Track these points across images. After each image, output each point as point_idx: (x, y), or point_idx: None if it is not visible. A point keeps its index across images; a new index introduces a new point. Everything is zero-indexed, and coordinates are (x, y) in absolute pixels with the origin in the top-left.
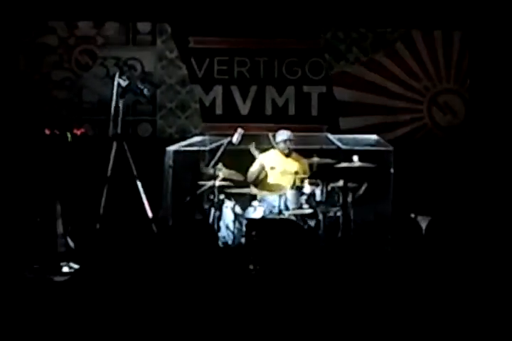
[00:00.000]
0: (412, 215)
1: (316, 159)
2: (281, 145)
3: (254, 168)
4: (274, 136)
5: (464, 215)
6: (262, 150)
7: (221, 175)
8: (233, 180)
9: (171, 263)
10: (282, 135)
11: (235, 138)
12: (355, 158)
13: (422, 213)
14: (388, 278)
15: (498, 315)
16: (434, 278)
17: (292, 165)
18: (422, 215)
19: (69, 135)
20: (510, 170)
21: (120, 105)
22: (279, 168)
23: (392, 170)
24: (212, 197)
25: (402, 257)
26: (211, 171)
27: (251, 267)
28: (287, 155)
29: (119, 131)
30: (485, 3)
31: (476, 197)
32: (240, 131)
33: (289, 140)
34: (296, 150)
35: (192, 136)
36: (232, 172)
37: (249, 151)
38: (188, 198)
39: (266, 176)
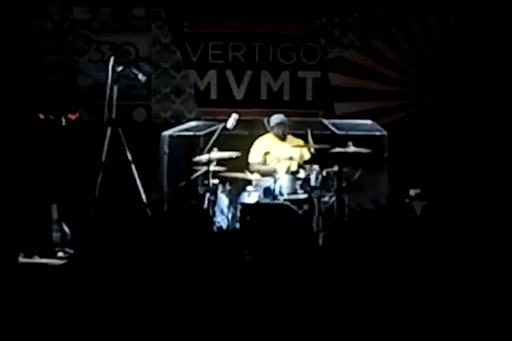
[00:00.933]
0: (407, 200)
1: (310, 144)
2: (276, 130)
3: (258, 159)
4: (268, 121)
5: (458, 200)
6: (258, 136)
7: (216, 157)
8: (228, 162)
9: (165, 247)
10: (276, 119)
11: (230, 123)
12: (350, 143)
13: (417, 198)
14: (383, 262)
15: (494, 299)
16: (428, 263)
17: (287, 149)
18: (417, 200)
19: (63, 120)
20: (506, 156)
21: (115, 90)
22: (274, 153)
23: (386, 155)
24: (206, 182)
25: (396, 242)
26: (206, 156)
27: (246, 252)
28: (282, 140)
29: (113, 115)
30: None
31: (470, 182)
32: (234, 115)
33: (283, 124)
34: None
35: (187, 121)
36: (226, 153)
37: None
38: (183, 183)
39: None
